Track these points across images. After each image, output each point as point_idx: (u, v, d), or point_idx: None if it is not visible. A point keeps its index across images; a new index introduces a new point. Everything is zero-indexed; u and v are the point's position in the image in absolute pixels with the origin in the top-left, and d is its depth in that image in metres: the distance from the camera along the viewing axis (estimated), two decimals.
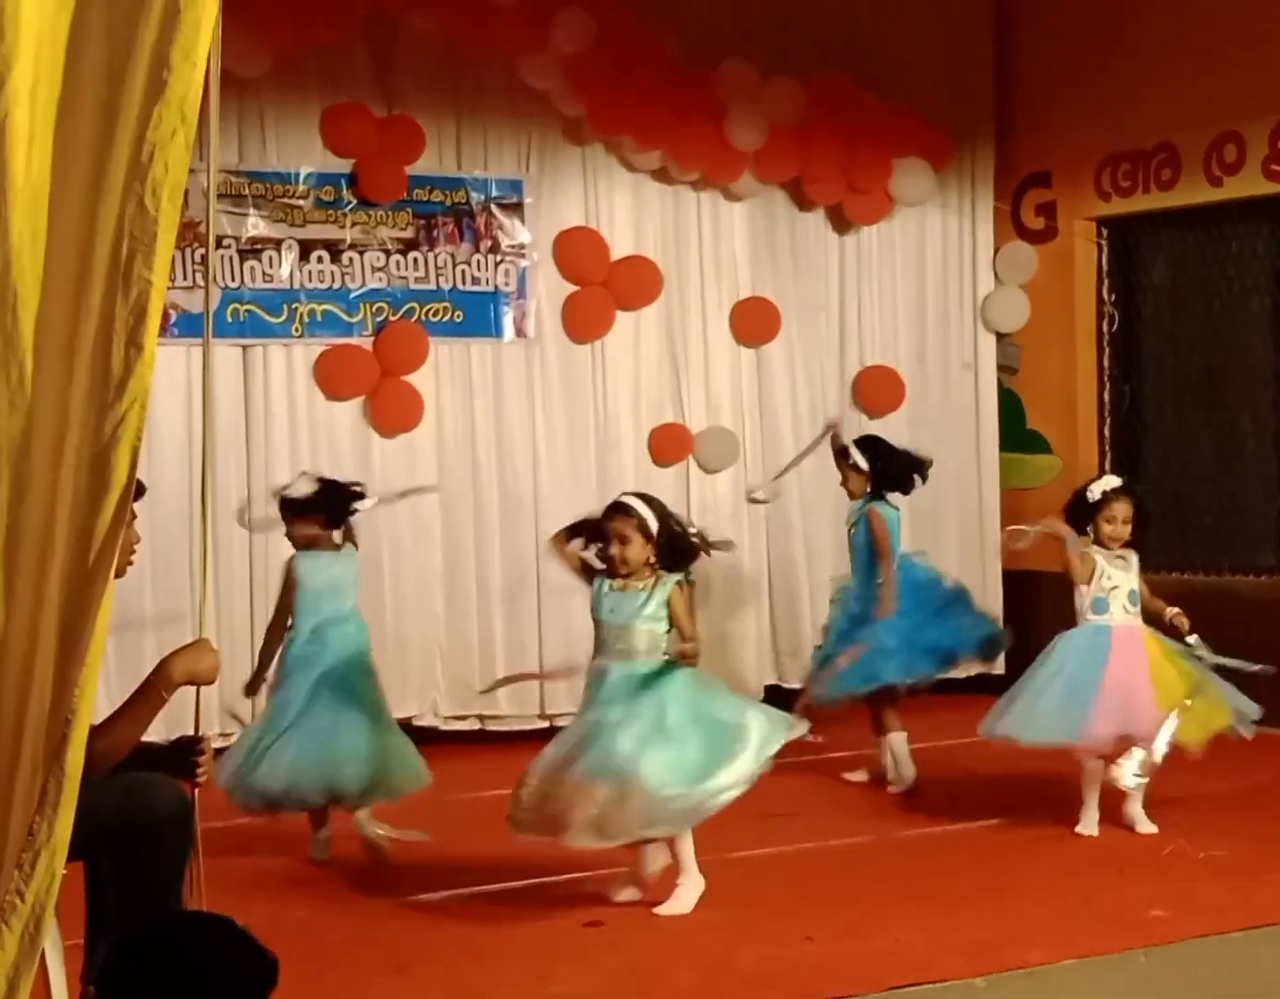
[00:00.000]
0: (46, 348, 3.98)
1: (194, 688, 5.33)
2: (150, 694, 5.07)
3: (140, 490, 4.59)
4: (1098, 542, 8.41)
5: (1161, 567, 11.84)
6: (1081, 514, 8.47)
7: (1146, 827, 8.18)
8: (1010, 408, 12.45)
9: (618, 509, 7.26)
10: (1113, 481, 8.54)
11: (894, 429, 11.99)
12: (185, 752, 5.31)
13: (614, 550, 7.21)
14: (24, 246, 3.90)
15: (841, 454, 9.65)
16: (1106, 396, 12.21)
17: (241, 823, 8.07)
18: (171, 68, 3.97)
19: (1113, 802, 8.29)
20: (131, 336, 4.06)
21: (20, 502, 3.99)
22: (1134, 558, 8.47)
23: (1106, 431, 12.21)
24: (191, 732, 5.40)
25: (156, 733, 6.24)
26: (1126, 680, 8.14)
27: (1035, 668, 8.51)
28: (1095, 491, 8.43)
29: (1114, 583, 8.37)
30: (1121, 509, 8.39)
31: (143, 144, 3.99)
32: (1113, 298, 12.20)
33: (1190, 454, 11.95)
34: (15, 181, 3.86)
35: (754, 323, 11.81)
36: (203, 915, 3.22)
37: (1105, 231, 12.19)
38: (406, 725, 9.01)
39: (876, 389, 12.11)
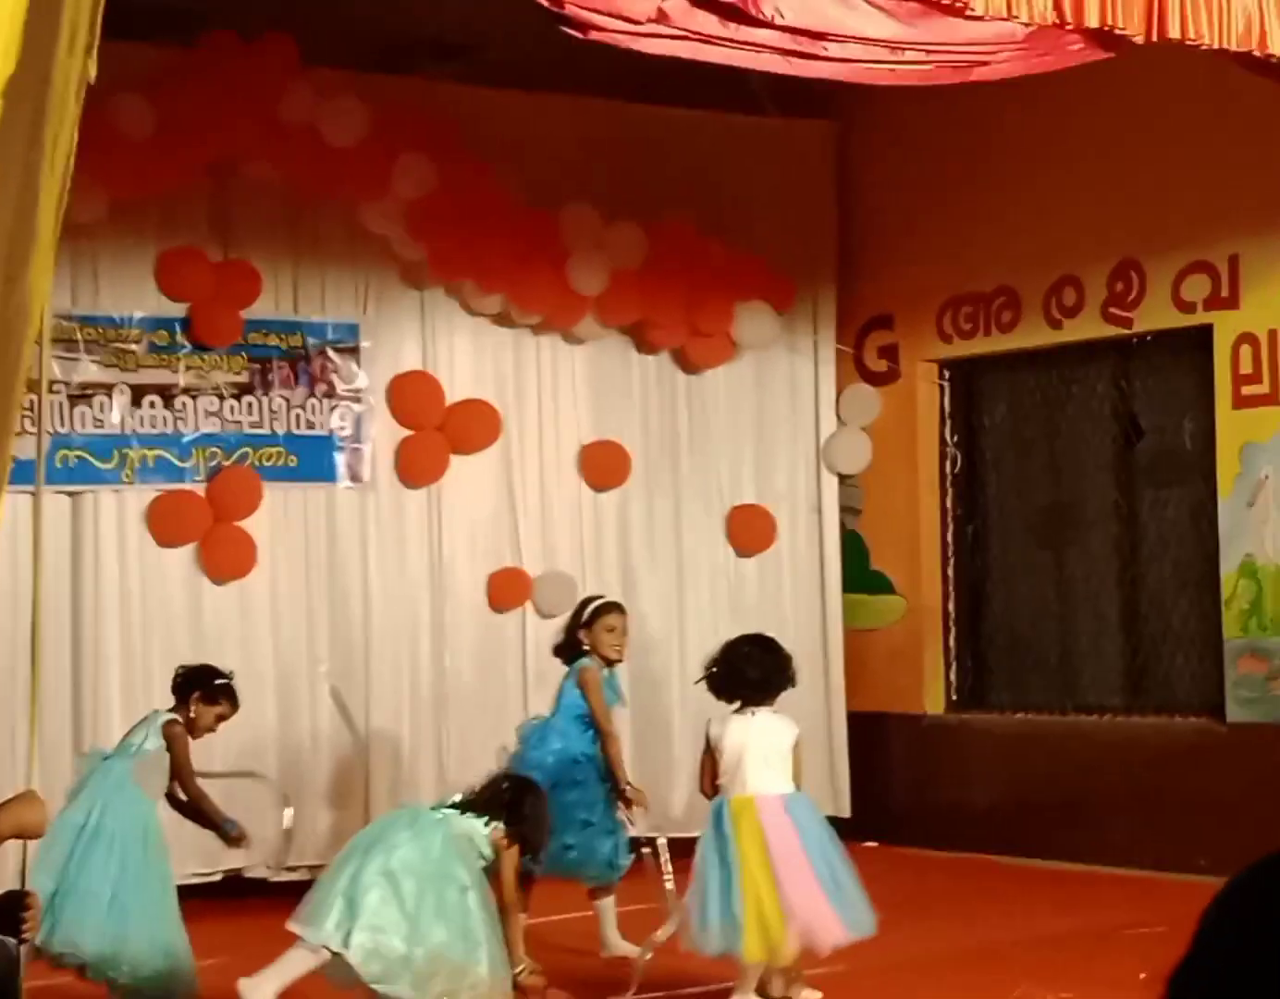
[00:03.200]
0: None
1: (20, 842, 5.27)
2: None
3: None
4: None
5: (1005, 706, 12.05)
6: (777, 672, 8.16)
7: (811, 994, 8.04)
8: (853, 549, 12.58)
9: None
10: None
11: (747, 570, 12.13)
12: (13, 906, 5.22)
13: None
14: None
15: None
16: (950, 537, 12.37)
17: (61, 982, 7.90)
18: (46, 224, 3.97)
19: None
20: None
21: None
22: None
23: (950, 571, 12.36)
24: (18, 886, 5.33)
25: None
26: None
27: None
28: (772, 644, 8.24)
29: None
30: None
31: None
32: (955, 438, 12.38)
33: (1034, 593, 12.12)
34: None
35: (602, 465, 11.86)
36: None
37: (947, 373, 12.39)
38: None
39: (748, 529, 12.19)
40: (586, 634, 8.96)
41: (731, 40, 7.28)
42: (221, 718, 8.29)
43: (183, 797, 8.23)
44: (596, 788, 8.88)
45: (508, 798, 7.56)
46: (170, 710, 8.23)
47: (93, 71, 3.96)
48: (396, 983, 7.06)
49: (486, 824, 7.37)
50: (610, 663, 9.00)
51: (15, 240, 3.87)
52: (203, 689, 8.20)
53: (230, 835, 8.30)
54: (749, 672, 7.93)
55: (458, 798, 7.64)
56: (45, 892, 7.71)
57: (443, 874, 7.20)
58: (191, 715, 8.16)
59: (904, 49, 7.61)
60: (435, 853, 7.25)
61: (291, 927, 7.26)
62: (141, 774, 8.11)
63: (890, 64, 7.68)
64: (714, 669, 8.07)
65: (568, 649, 9.05)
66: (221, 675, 8.31)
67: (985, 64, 7.92)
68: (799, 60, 7.53)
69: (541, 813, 7.63)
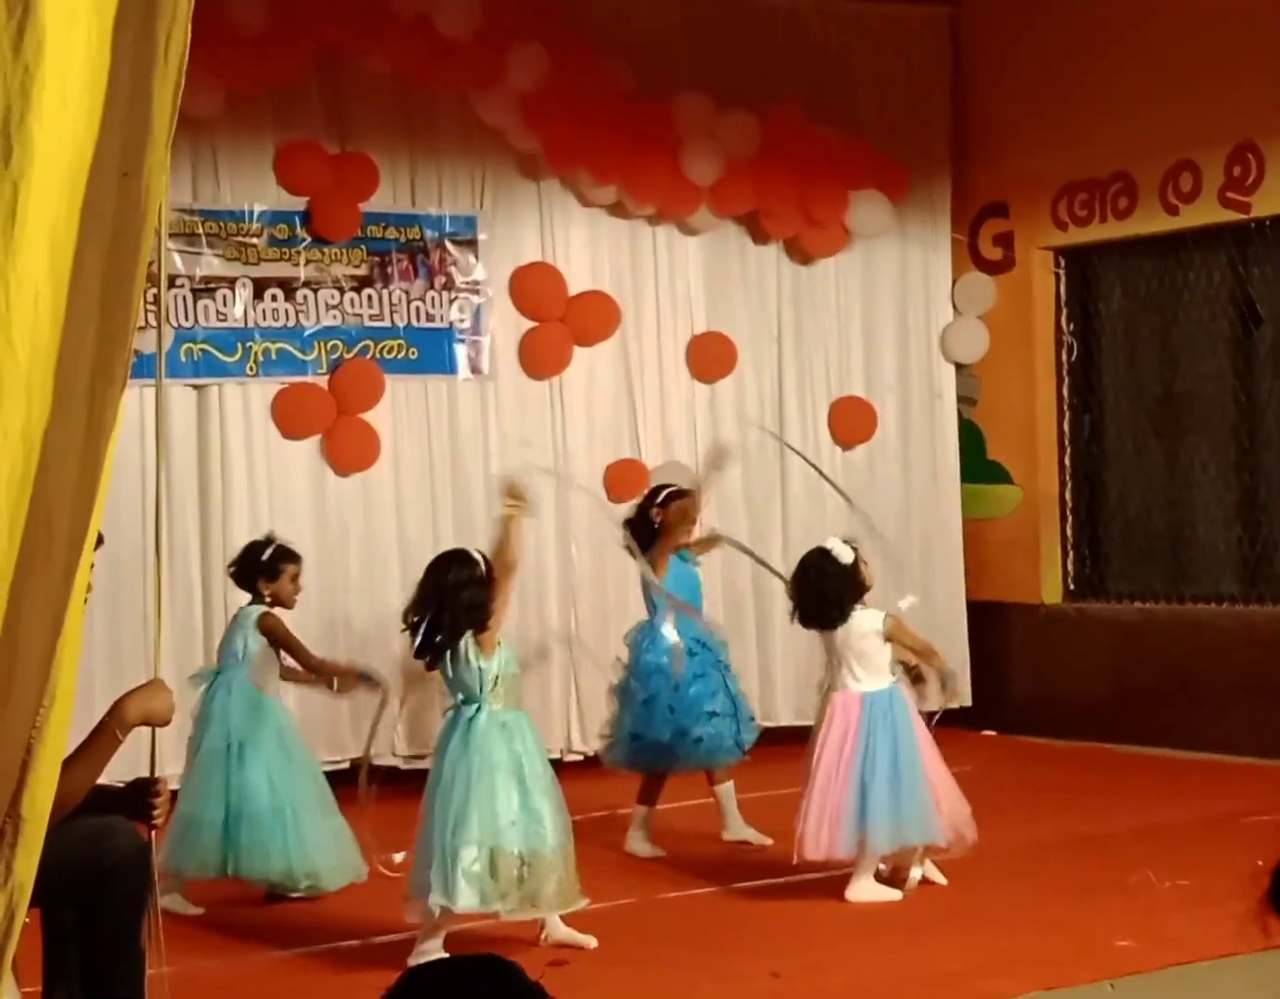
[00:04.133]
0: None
1: (149, 728, 5.34)
2: (105, 736, 5.05)
3: (99, 541, 4.60)
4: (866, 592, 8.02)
5: (1122, 596, 11.97)
6: (845, 591, 7.95)
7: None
8: (971, 438, 12.51)
9: None
10: (841, 543, 8.05)
11: (857, 460, 12.09)
12: (141, 793, 5.29)
13: None
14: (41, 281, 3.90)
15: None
16: (1066, 426, 12.27)
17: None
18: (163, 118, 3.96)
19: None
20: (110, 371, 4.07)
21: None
22: None
23: (1067, 461, 12.28)
24: (147, 773, 5.40)
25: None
26: None
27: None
28: (847, 555, 7.94)
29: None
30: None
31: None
32: (1071, 327, 12.26)
33: (1150, 482, 12.01)
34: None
35: (709, 357, 11.85)
36: (477, 956, 3.13)
37: (1063, 261, 12.26)
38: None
39: (849, 421, 12.14)
40: (660, 513, 8.92)
41: None
42: (295, 577, 8.34)
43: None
44: (714, 676, 8.89)
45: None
46: (251, 603, 8.30)
47: None
48: None
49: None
50: (678, 547, 8.96)
51: (129, 134, 3.87)
52: (261, 572, 8.25)
53: (373, 681, 8.36)
54: (828, 593, 7.92)
55: None
56: (216, 823, 7.93)
57: None
58: (268, 598, 8.24)
59: None
60: None
61: None
62: (257, 677, 8.20)
63: None
64: (796, 600, 8.11)
65: (638, 527, 8.96)
66: (263, 546, 8.33)
67: None
68: None
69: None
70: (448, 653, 7.01)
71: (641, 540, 8.84)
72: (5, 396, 3.97)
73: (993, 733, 11.92)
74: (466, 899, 6.78)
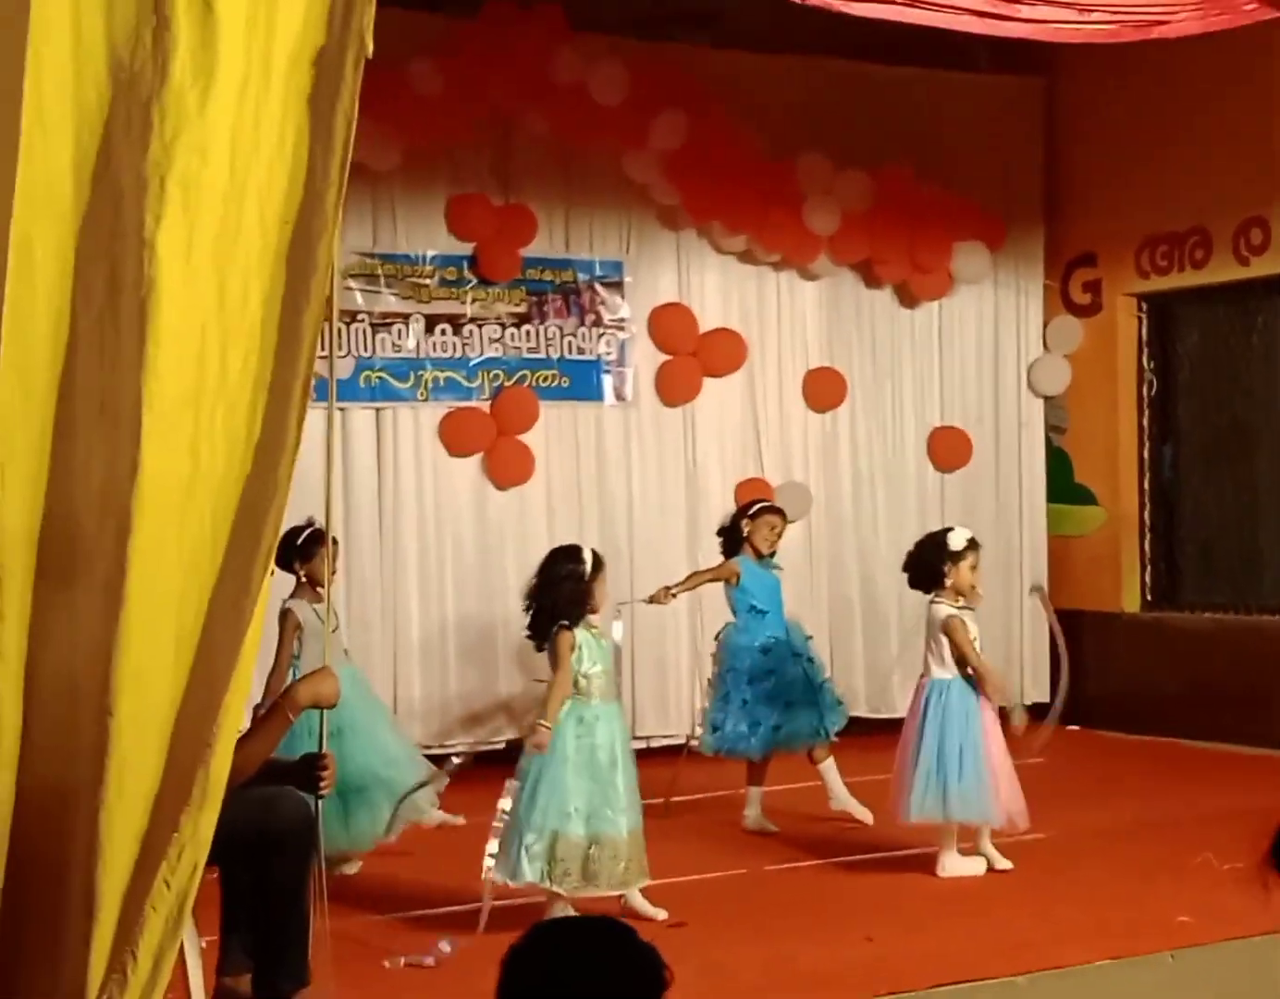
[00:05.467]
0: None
1: (322, 715, 5.41)
2: (279, 716, 5.13)
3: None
4: (958, 591, 7.78)
5: (1195, 606, 11.82)
6: (938, 563, 7.81)
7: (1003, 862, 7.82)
8: (1060, 463, 12.40)
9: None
10: (967, 532, 7.91)
11: (952, 484, 12.03)
12: (310, 766, 5.36)
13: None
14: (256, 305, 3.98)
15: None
16: (1146, 453, 12.15)
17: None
18: (329, 177, 4.02)
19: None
20: (301, 405, 4.14)
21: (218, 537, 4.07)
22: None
23: (1146, 484, 12.14)
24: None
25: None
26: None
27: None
28: (958, 541, 7.79)
29: (974, 634, 7.81)
30: (977, 558, 7.84)
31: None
32: (1152, 365, 12.13)
33: (1222, 504, 11.85)
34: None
35: (823, 390, 11.83)
36: (593, 918, 3.10)
37: (1145, 306, 12.13)
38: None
39: (947, 448, 12.08)
40: (749, 524, 8.95)
41: (933, 3, 7.15)
42: (329, 558, 7.94)
43: None
44: (789, 667, 8.85)
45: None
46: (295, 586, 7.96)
47: (369, 47, 3.98)
48: None
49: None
50: (760, 555, 8.95)
51: (292, 190, 3.93)
52: (296, 553, 7.80)
53: None
54: (923, 559, 7.90)
55: None
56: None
57: None
58: (303, 577, 7.92)
59: (1091, 10, 7.42)
60: None
61: None
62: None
63: (1077, 24, 7.50)
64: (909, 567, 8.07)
65: (729, 535, 9.02)
66: (300, 530, 7.77)
67: (1165, 23, 7.71)
68: (994, 21, 7.40)
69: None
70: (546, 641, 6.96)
71: (728, 545, 9.00)
72: (193, 413, 4.04)
73: (1076, 728, 11.79)
74: (526, 876, 6.72)
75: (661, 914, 7.00)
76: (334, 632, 7.86)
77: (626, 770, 6.88)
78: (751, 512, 9.07)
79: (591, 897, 6.77)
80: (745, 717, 8.75)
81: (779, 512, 9.18)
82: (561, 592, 6.90)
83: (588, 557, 6.99)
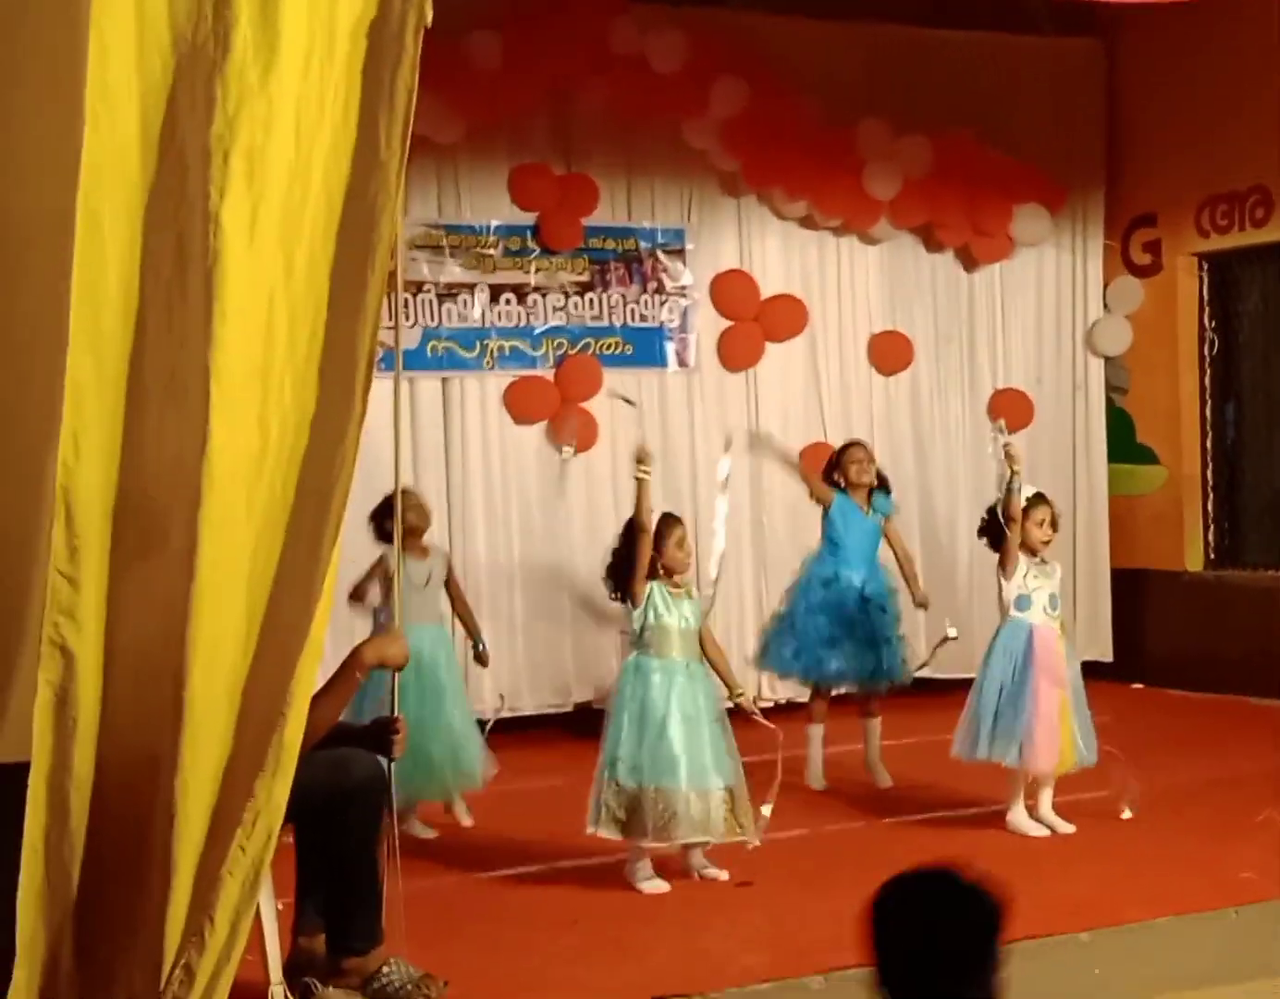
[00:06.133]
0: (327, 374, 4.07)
1: (393, 676, 5.42)
2: (347, 677, 5.13)
3: None
4: (1025, 546, 7.76)
5: (1258, 565, 11.73)
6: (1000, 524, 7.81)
7: (1065, 827, 7.77)
8: (1122, 424, 12.29)
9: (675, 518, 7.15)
10: (1030, 489, 7.90)
11: (1017, 444, 11.91)
12: (383, 729, 5.37)
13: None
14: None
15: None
16: (1208, 412, 12.03)
17: None
18: (391, 147, 4.02)
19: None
20: (366, 376, 4.16)
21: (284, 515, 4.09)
22: (1058, 567, 7.94)
23: (1208, 444, 12.03)
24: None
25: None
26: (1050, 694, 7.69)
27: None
28: (1022, 498, 7.78)
29: (1037, 584, 7.79)
30: (1047, 513, 7.84)
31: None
32: (1213, 325, 12.01)
33: None
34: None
35: (889, 353, 11.76)
36: (939, 867, 3.26)
37: (1205, 265, 12.00)
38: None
39: (1008, 409, 11.96)
40: (838, 471, 9.02)
41: None
42: (413, 529, 7.90)
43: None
44: (851, 607, 8.82)
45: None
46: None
47: (429, 17, 3.98)
48: None
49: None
50: (852, 486, 8.96)
51: (358, 163, 3.93)
52: (378, 535, 7.82)
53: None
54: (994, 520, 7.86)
55: None
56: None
57: None
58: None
59: None
60: None
61: None
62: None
63: None
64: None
65: (829, 467, 9.12)
66: (380, 515, 7.77)
67: None
68: None
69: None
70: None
71: (827, 476, 9.07)
72: (260, 386, 4.05)
73: (1139, 686, 11.73)
74: (602, 828, 6.80)
75: (723, 875, 7.00)
76: (427, 588, 7.99)
77: (692, 726, 6.85)
78: (835, 459, 9.14)
79: (656, 848, 6.83)
80: (793, 640, 8.81)
81: (860, 444, 9.24)
82: (617, 556, 7.05)
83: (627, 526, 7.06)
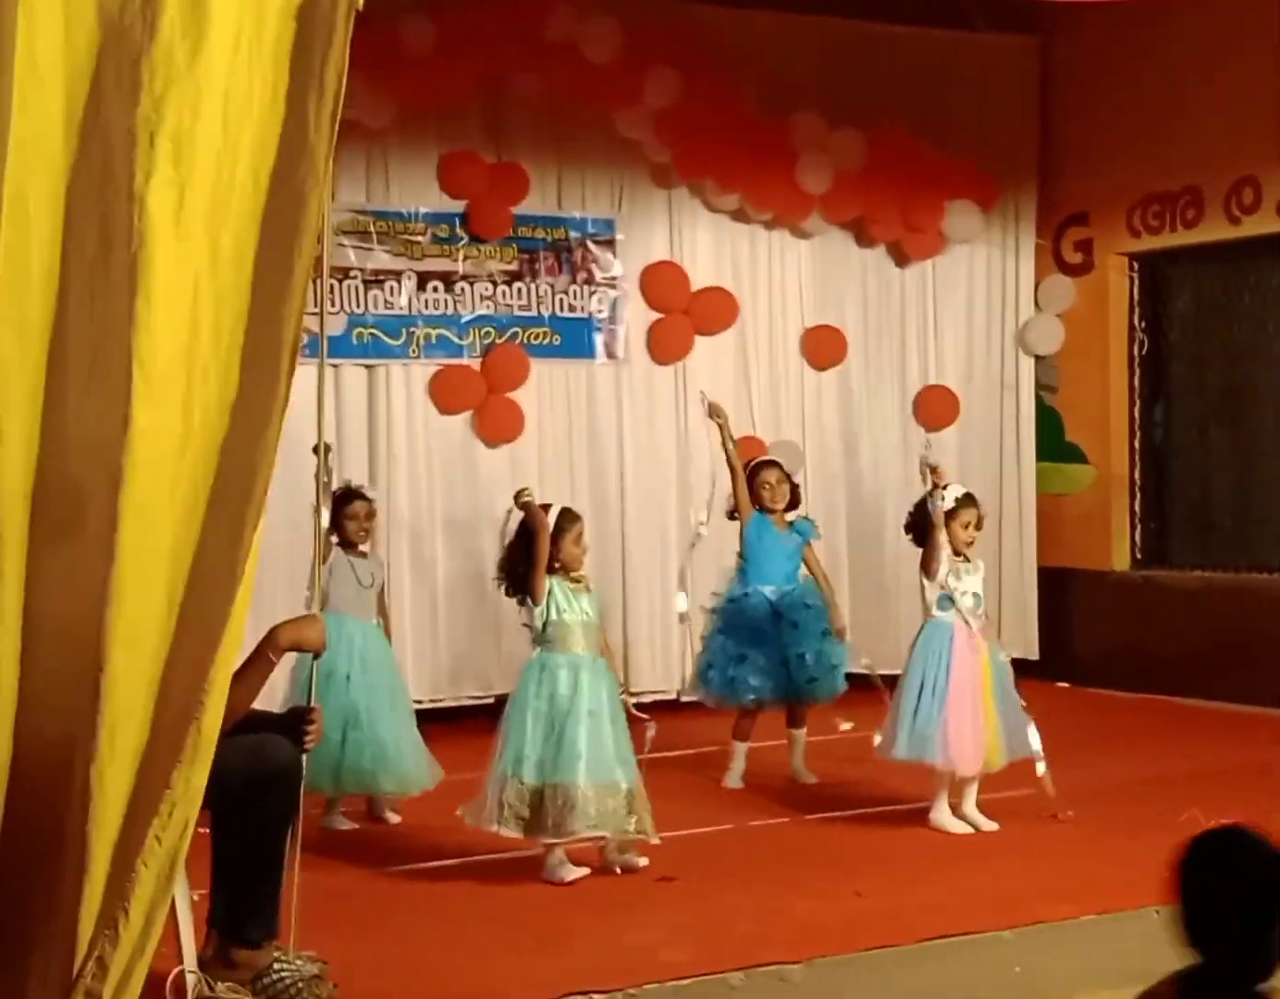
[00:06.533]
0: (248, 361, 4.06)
1: (313, 661, 5.40)
2: (262, 659, 5.07)
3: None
4: (950, 546, 7.80)
5: (1185, 565, 11.84)
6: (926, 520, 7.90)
7: (988, 824, 7.83)
8: (1051, 422, 12.39)
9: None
10: (960, 489, 7.98)
11: (946, 441, 12.01)
12: (299, 719, 5.34)
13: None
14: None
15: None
16: (1137, 412, 12.13)
17: None
18: (320, 131, 4.01)
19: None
20: (290, 363, 4.15)
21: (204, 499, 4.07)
22: (981, 565, 8.02)
23: (1136, 443, 12.14)
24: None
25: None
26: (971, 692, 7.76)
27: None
28: (950, 498, 7.84)
29: (960, 584, 7.83)
30: (973, 515, 7.91)
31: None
32: (1143, 325, 12.12)
33: (1211, 463, 11.88)
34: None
35: (822, 348, 11.81)
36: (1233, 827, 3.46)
37: (1136, 265, 12.11)
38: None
39: (934, 406, 12.09)
40: (751, 491, 9.00)
41: None
42: (362, 515, 8.03)
43: None
44: (764, 625, 8.80)
45: None
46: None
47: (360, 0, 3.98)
48: None
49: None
50: (766, 510, 8.94)
51: (286, 148, 3.92)
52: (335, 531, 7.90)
53: None
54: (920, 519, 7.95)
55: None
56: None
57: None
58: (335, 541, 7.96)
59: None
60: None
61: None
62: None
63: None
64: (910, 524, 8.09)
65: (749, 486, 9.05)
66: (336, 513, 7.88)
67: None
68: None
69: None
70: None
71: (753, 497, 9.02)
72: (184, 370, 4.04)
73: (1065, 685, 11.83)
74: (497, 825, 6.82)
75: (643, 861, 7.05)
76: (369, 588, 7.99)
77: (595, 722, 6.88)
78: (748, 469, 9.08)
79: (566, 842, 6.85)
80: (705, 661, 8.85)
81: (772, 465, 9.16)
82: (513, 550, 7.03)
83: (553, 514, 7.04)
